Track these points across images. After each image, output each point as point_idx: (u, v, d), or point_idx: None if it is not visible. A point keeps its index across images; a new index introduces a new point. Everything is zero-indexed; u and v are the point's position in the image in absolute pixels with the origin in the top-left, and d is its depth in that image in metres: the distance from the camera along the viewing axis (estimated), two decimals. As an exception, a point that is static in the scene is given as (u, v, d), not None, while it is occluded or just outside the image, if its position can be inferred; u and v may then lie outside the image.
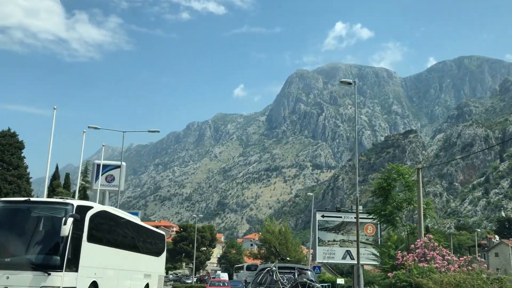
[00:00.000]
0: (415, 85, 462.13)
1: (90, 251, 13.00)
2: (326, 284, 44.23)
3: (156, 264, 21.35)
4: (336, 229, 24.68)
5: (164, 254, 22.85)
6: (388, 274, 14.60)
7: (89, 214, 13.11)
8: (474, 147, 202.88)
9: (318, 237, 24.28)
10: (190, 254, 64.86)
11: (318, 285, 12.77)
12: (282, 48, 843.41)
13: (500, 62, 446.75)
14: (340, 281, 41.66)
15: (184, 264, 71.50)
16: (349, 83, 22.79)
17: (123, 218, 16.89)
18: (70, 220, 11.69)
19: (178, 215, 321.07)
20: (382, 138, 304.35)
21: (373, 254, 19.93)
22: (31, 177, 40.45)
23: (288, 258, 49.67)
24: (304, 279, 12.24)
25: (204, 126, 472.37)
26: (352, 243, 22.64)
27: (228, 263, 75.01)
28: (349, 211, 25.89)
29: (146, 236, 20.09)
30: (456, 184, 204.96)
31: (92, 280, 13.25)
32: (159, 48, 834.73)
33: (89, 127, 28.29)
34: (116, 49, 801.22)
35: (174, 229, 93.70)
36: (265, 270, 13.15)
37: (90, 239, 13.05)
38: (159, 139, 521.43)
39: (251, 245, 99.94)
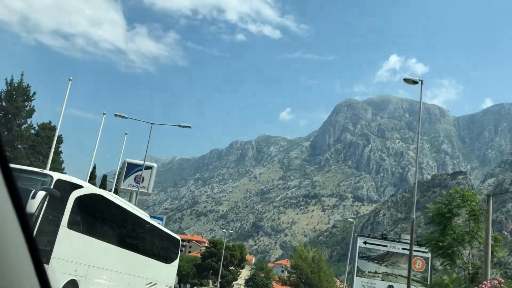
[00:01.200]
0: (468, 126, 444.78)
1: (70, 241, 10.37)
2: None
3: (165, 272, 18.51)
4: (379, 260, 20.66)
5: (176, 263, 20.03)
6: None
7: (75, 194, 10.47)
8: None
9: (358, 266, 20.44)
10: (218, 271, 62.57)
11: None
12: (333, 76, 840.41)
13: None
14: None
15: (211, 282, 69.17)
16: (415, 82, 20.39)
17: (125, 209, 13.92)
18: (40, 195, 9.24)
19: (212, 232, 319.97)
20: (429, 177, 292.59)
21: None
22: (65, 173, 40.10)
23: None
24: None
25: (247, 146, 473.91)
26: (396, 277, 19.26)
27: (255, 286, 71.99)
28: (397, 240, 22.14)
29: (155, 237, 17.45)
30: (506, 233, 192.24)
31: (70, 278, 10.55)
32: (212, 66, 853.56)
33: (115, 115, 26.78)
34: (171, 63, 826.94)
35: (206, 244, 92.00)
36: None
37: (73, 225, 10.37)
38: (201, 155, 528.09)
39: (282, 271, 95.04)
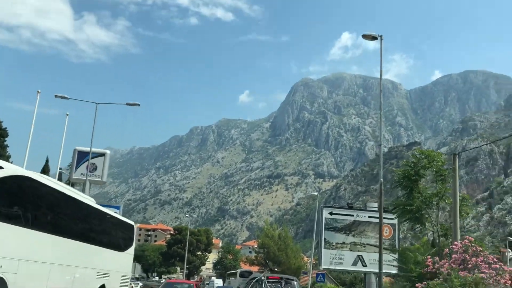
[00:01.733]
0: (420, 98, 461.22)
1: None
2: None
3: (118, 261, 16.86)
4: (347, 230, 19.57)
5: (132, 250, 18.24)
6: (417, 285, 11.73)
7: None
8: (479, 161, 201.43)
9: (325, 238, 19.07)
10: (185, 258, 62.09)
11: None
12: (288, 57, 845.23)
13: (506, 78, 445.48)
14: None
15: (178, 269, 68.93)
16: (374, 38, 19.41)
17: (63, 194, 12.24)
18: None
19: (178, 219, 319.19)
20: (386, 149, 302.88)
21: (395, 259, 16.65)
22: None
23: (276, 269, 48.60)
24: None
25: (207, 130, 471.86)
26: (365, 246, 18.43)
27: (224, 269, 71.41)
28: (363, 208, 21.04)
29: (104, 223, 15.69)
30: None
31: None
32: (165, 52, 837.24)
33: (55, 96, 25.70)
34: (123, 51, 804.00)
35: (171, 232, 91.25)
36: (255, 280, 14.17)
37: None
38: (161, 143, 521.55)
39: (250, 252, 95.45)
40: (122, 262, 17.34)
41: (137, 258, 74.17)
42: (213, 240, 78.95)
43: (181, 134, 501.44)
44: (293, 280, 15.37)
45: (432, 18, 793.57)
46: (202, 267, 72.88)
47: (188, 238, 59.10)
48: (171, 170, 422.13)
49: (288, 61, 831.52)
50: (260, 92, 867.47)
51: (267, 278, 14.33)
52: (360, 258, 19.67)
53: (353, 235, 20.18)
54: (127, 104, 25.77)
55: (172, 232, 72.93)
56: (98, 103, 24.35)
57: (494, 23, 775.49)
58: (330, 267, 18.07)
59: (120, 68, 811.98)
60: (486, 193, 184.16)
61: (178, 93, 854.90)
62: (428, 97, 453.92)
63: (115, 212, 17.36)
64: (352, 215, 20.24)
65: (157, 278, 69.70)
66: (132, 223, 19.14)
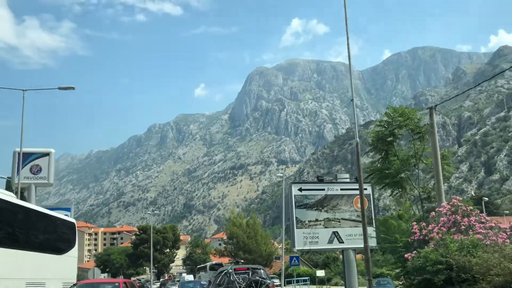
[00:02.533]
0: (372, 78, 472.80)
1: None
2: (305, 278, 40.31)
3: (57, 266, 14.42)
4: (319, 205, 18.08)
5: (74, 252, 15.75)
6: (407, 256, 10.54)
7: None
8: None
9: (296, 217, 17.64)
10: (153, 257, 60.01)
11: (268, 281, 14.95)
12: (241, 47, 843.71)
13: (451, 52, 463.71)
14: (320, 273, 37.74)
15: (148, 269, 67.07)
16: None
17: None
18: None
19: (144, 220, 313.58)
20: (344, 131, 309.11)
21: (375, 231, 15.64)
22: None
23: (241, 261, 48.23)
24: (257, 277, 14.47)
25: (166, 127, 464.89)
26: (339, 222, 17.04)
27: (194, 264, 69.54)
28: (334, 181, 19.54)
29: (33, 223, 13.43)
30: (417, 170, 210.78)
31: None
32: (115, 52, 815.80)
33: None
34: (71, 54, 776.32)
35: (136, 232, 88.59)
36: (223, 273, 15.01)
37: None
38: (120, 144, 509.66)
39: (220, 244, 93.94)
40: (63, 267, 14.73)
41: (103, 263, 72.09)
42: (180, 236, 77.26)
43: (139, 134, 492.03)
44: (259, 269, 15.85)
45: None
46: (171, 264, 70.78)
47: (153, 237, 57.47)
48: (133, 171, 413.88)
49: (241, 51, 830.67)
50: (216, 84, 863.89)
51: (235, 270, 14.93)
52: (336, 234, 17.55)
53: (326, 211, 17.94)
54: (60, 88, 23.20)
55: (137, 232, 70.06)
56: (25, 90, 22.41)
57: None
58: (305, 248, 16.62)
59: (69, 71, 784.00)
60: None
61: (132, 92, 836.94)
62: (380, 76, 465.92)
63: (66, 215, 16.15)
64: (323, 189, 17.86)
65: None
66: (73, 220, 16.50)
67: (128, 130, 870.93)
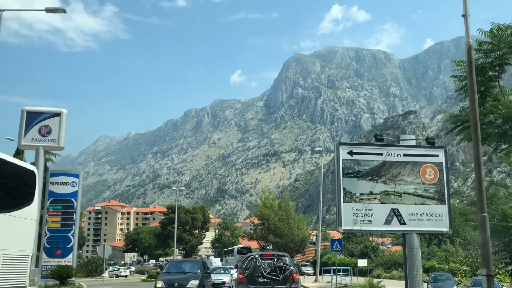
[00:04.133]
0: (413, 67, 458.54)
1: None
2: (345, 268, 32.80)
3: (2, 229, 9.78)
4: (374, 175, 12.50)
5: (31, 211, 10.97)
6: None
7: None
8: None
9: (344, 188, 12.96)
10: (181, 238, 58.80)
11: (292, 268, 15.07)
12: (279, 33, 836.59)
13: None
14: (362, 262, 32.48)
15: (177, 250, 66.59)
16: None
17: None
18: None
19: (178, 202, 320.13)
20: (381, 121, 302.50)
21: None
22: None
23: (268, 247, 45.65)
24: (281, 264, 14.86)
25: (202, 112, 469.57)
26: (401, 196, 12.50)
27: (222, 247, 67.38)
28: (396, 144, 12.98)
29: None
30: (458, 164, 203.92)
31: None
32: (155, 36, 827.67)
33: None
34: (112, 37, 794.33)
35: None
36: (250, 258, 15.58)
37: None
38: (157, 127, 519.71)
39: (250, 228, 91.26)
40: (11, 230, 10.13)
41: (132, 242, 73.34)
42: (210, 218, 76.35)
43: (175, 118, 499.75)
44: (284, 256, 16.18)
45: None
46: (200, 246, 69.93)
47: (182, 217, 57.22)
48: (168, 154, 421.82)
49: (279, 38, 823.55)
50: (252, 71, 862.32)
51: (261, 255, 15.59)
52: (395, 213, 11.83)
53: (384, 182, 11.92)
54: (47, 10, 19.25)
55: (166, 212, 68.65)
56: (3, 10, 19.32)
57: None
58: (355, 228, 11.13)
59: (110, 54, 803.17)
60: (484, 157, 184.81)
61: (170, 77, 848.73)
62: (421, 66, 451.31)
63: (73, 183, 14.28)
64: (381, 154, 12.88)
65: (153, 262, 67.95)
66: (32, 168, 11.72)
67: (165, 114, 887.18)
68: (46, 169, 22.50)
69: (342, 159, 11.82)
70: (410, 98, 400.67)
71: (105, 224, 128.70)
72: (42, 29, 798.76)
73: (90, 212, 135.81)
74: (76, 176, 19.85)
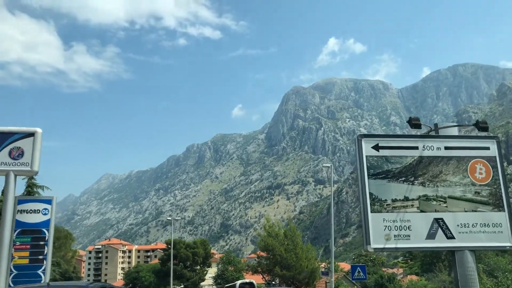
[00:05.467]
0: (412, 96, 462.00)
1: None
2: None
3: None
4: (409, 174, 8.74)
5: None
6: None
7: None
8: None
9: (371, 194, 8.26)
10: (182, 274, 56.40)
11: None
12: (278, 68, 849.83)
13: (494, 68, 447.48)
14: None
15: None
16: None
17: None
18: None
19: (180, 239, 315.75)
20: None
21: None
22: None
23: (274, 282, 41.11)
24: None
25: (203, 147, 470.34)
26: (445, 202, 8.45)
27: (225, 283, 64.17)
28: (434, 135, 8.81)
29: None
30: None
31: None
32: (157, 75, 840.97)
33: None
34: (114, 77, 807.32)
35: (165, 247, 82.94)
36: None
37: None
38: (159, 164, 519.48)
39: (255, 260, 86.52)
40: None
41: (132, 281, 71.27)
42: (213, 253, 73.82)
43: (178, 154, 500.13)
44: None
45: (416, 16, 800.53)
46: (202, 283, 67.36)
47: (182, 252, 55.20)
48: (171, 190, 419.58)
49: (278, 72, 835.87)
50: (253, 105, 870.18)
51: None
52: (439, 223, 9.18)
53: (422, 183, 9.32)
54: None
55: (165, 247, 65.94)
56: None
57: (477, 14, 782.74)
58: (388, 246, 8.23)
59: (112, 94, 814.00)
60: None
61: (172, 113, 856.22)
62: (419, 94, 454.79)
63: (45, 209, 12.69)
64: (416, 147, 9.29)
65: None
66: None
67: (167, 150, 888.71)
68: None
69: (366, 156, 8.57)
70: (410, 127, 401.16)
71: (106, 263, 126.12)
72: (45, 72, 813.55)
73: (90, 252, 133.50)
74: (49, 202, 17.14)
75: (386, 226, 7.55)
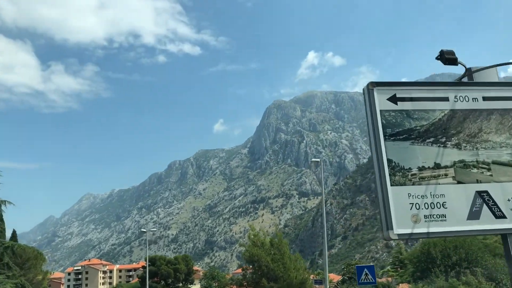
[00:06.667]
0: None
1: None
2: None
3: None
4: (438, 133, 5.49)
5: None
6: None
7: None
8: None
9: (390, 161, 5.14)
10: None
11: None
12: (259, 83, 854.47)
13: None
14: None
15: None
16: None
17: None
18: None
19: (163, 255, 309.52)
20: (365, 160, 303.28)
21: None
22: None
23: None
24: None
25: (186, 164, 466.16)
26: (489, 168, 5.30)
27: None
28: (469, 82, 5.96)
29: None
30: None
31: None
32: (137, 93, 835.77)
33: None
34: (94, 96, 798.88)
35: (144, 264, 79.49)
36: None
37: None
38: (141, 182, 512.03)
39: (240, 275, 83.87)
40: None
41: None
42: (195, 269, 70.98)
43: (160, 171, 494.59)
44: None
45: (392, 28, 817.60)
46: None
47: (163, 269, 52.71)
48: (154, 209, 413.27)
49: (259, 86, 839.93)
50: (235, 120, 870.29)
51: None
52: (484, 198, 5.53)
53: (457, 145, 5.83)
54: None
55: (143, 264, 62.25)
56: None
57: (452, 21, 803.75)
58: (417, 231, 4.93)
59: (92, 113, 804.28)
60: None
61: (153, 130, 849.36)
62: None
63: None
64: (446, 98, 5.87)
65: None
66: None
67: (149, 168, 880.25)
68: None
69: (381, 111, 5.90)
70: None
71: (86, 285, 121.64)
72: (23, 92, 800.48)
73: (69, 273, 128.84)
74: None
75: (413, 204, 5.21)
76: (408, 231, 4.98)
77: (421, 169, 5.25)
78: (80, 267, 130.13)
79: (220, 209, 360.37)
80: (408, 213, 5.06)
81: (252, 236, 40.94)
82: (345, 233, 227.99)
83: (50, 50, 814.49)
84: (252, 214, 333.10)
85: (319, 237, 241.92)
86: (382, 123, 5.35)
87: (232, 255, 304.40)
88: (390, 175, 5.13)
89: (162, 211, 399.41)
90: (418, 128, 5.52)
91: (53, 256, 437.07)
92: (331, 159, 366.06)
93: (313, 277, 44.70)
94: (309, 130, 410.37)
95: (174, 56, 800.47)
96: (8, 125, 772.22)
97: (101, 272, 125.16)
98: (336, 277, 67.53)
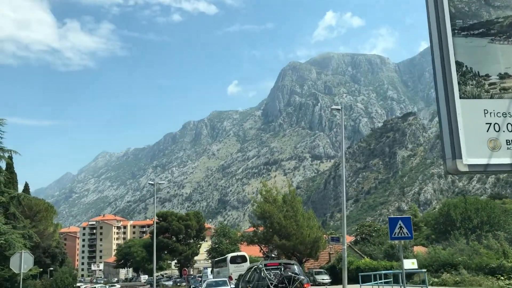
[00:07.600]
0: (409, 70, 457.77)
1: None
2: (376, 273, 25.97)
3: None
4: None
5: None
6: None
7: None
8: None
9: (459, 63, 3.45)
10: (174, 248, 54.02)
11: (302, 277, 13.15)
12: (275, 44, 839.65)
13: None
14: (411, 264, 21.79)
15: (173, 263, 60.93)
16: None
17: None
18: None
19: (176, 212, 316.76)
20: (380, 124, 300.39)
21: None
22: None
23: (273, 255, 38.50)
24: (289, 273, 12.94)
25: (200, 124, 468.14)
26: None
27: (220, 256, 57.96)
28: None
29: None
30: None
31: None
32: (152, 51, 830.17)
33: None
34: (109, 55, 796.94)
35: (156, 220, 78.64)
36: (253, 268, 14.09)
37: None
38: (156, 141, 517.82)
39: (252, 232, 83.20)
40: None
41: (123, 257, 70.08)
42: (206, 227, 71.35)
43: (174, 131, 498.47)
44: (292, 264, 14.38)
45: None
46: (196, 257, 64.05)
47: (174, 225, 53.22)
48: (168, 168, 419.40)
49: (275, 48, 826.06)
50: (249, 81, 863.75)
51: (265, 265, 13.75)
52: None
53: None
54: None
55: (156, 220, 63.49)
56: None
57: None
58: (495, 161, 3.28)
59: (108, 72, 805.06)
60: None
61: (167, 90, 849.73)
62: (417, 69, 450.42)
63: None
64: None
65: (146, 277, 63.64)
66: None
67: (163, 127, 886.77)
68: None
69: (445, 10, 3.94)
70: (408, 101, 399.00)
71: (100, 239, 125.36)
72: (39, 50, 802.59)
73: (84, 228, 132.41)
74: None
75: (490, 124, 3.62)
76: (484, 161, 3.54)
77: (504, 76, 3.72)
78: (94, 222, 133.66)
79: (233, 170, 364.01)
80: (484, 136, 3.63)
81: (264, 192, 40.61)
82: (357, 196, 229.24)
83: (66, 8, 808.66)
84: (264, 176, 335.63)
85: (331, 199, 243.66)
86: (450, 11, 3.81)
87: (244, 214, 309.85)
88: (459, 83, 3.63)
89: (177, 170, 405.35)
90: (501, 20, 3.86)
91: (70, 211, 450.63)
92: (345, 123, 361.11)
93: (326, 237, 43.87)
94: (324, 93, 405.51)
95: (189, 15, 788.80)
96: (25, 82, 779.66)
97: (115, 227, 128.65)
98: (348, 238, 68.52)
